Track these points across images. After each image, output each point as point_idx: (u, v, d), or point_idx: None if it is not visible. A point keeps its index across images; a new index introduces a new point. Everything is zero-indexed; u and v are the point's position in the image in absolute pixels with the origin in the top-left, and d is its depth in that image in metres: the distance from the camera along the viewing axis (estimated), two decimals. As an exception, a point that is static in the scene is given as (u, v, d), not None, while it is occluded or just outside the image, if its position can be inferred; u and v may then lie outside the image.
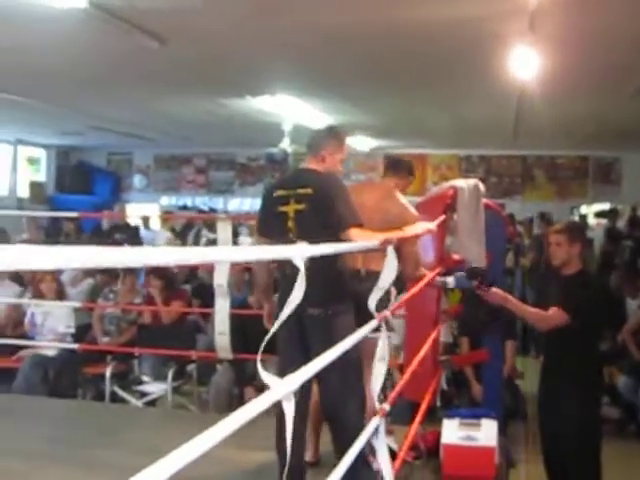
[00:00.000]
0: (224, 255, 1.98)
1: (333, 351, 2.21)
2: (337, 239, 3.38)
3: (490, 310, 4.95)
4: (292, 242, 3.26)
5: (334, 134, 3.96)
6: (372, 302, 2.92)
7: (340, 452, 3.37)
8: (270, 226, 3.77)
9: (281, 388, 1.68)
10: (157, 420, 5.62)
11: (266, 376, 1.78)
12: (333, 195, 3.68)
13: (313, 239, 2.97)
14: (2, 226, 9.46)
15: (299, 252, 1.95)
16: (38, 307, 6.99)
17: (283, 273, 3.63)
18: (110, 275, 7.67)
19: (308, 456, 4.04)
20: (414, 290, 3.75)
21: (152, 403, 6.71)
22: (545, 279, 5.47)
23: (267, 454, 4.14)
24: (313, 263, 3.51)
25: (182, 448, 1.21)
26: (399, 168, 4.60)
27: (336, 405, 3.65)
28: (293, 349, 3.52)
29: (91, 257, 1.10)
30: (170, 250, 1.45)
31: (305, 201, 3.66)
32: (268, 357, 4.58)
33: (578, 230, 5.03)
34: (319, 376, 3.24)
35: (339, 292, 3.73)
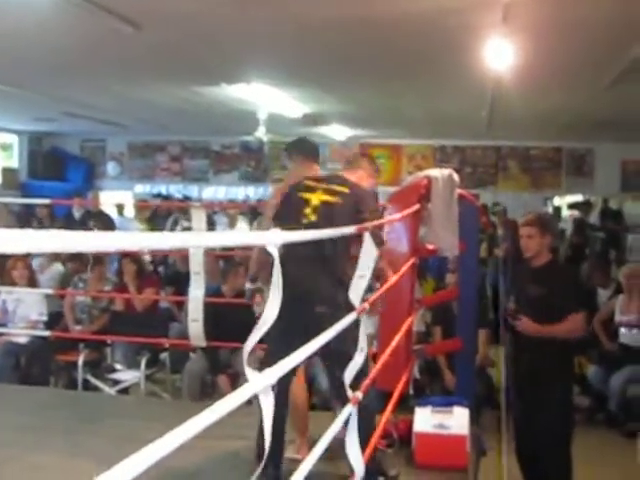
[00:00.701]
0: (199, 241, 1.98)
1: (319, 343, 2.21)
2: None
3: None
4: (305, 228, 3.44)
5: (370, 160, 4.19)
6: (353, 292, 2.93)
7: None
8: (285, 211, 3.83)
9: (260, 382, 1.68)
10: (130, 408, 5.60)
11: (248, 368, 1.77)
12: (363, 204, 3.79)
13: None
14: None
15: (273, 239, 1.94)
16: (9, 294, 6.93)
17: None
18: (80, 263, 7.62)
19: (291, 451, 4.04)
20: (391, 280, 3.77)
21: (125, 391, 6.70)
22: (515, 269, 5.53)
23: (242, 442, 4.16)
24: (322, 261, 3.56)
25: (163, 438, 1.21)
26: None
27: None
28: (291, 343, 3.45)
29: (67, 241, 1.09)
30: (146, 235, 1.45)
31: (339, 196, 3.76)
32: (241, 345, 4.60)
33: (548, 222, 5.11)
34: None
35: (345, 290, 3.77)
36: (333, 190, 3.78)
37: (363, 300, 3.11)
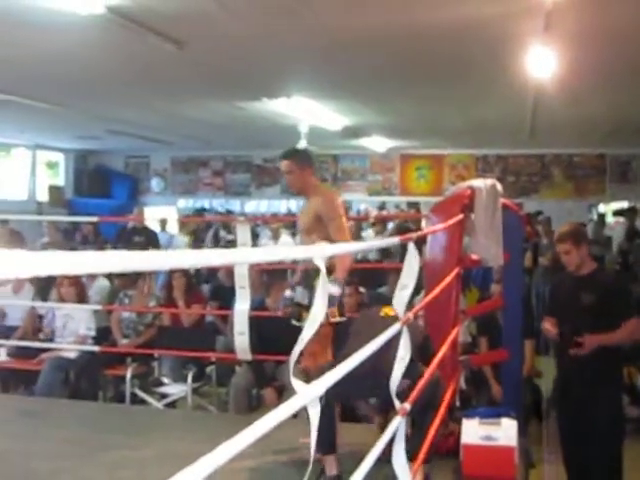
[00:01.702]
0: (248, 257, 2.00)
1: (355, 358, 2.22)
2: None
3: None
4: None
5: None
6: (397, 303, 2.93)
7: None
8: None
9: (308, 394, 1.70)
10: (178, 422, 5.65)
11: (295, 380, 1.79)
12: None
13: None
14: (20, 229, 9.54)
15: (320, 252, 1.96)
16: (59, 310, 7.05)
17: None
18: (126, 278, 7.71)
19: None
20: (436, 291, 3.76)
21: (172, 404, 6.74)
22: (557, 279, 5.45)
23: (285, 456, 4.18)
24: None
25: (215, 452, 1.23)
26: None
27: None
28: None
29: (117, 262, 1.12)
30: (193, 253, 1.48)
31: None
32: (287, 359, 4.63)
33: (579, 231, 5.05)
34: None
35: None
36: None
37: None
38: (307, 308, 4.52)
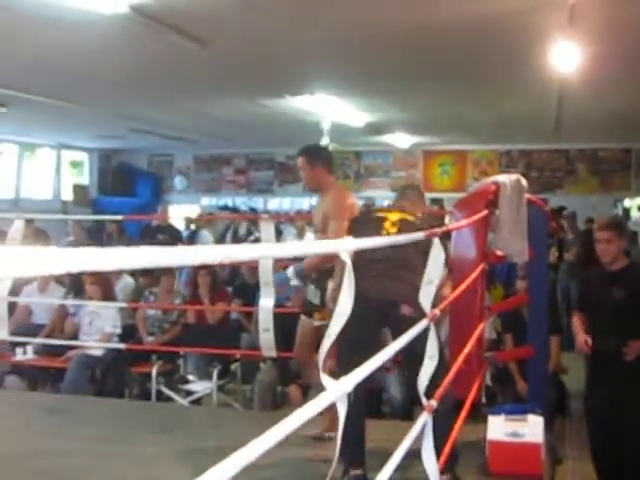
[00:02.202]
0: (274, 252, 2.01)
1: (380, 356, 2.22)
2: None
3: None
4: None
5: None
6: (424, 298, 2.93)
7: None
8: (362, 227, 3.96)
9: (336, 389, 1.70)
10: (204, 419, 5.68)
11: (324, 377, 1.79)
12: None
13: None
14: (46, 228, 9.61)
15: (345, 246, 1.96)
16: (85, 307, 7.11)
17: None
18: (152, 277, 7.75)
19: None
20: (461, 287, 3.75)
21: (197, 402, 6.78)
22: (588, 274, 5.39)
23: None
24: (408, 259, 3.62)
25: (244, 449, 1.23)
26: None
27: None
28: (373, 346, 3.45)
29: (144, 257, 1.13)
30: (219, 248, 1.48)
31: (415, 217, 4.06)
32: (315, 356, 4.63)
33: (622, 224, 5.03)
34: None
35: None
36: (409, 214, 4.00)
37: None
38: (318, 307, 4.54)
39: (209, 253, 1.46)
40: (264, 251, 2.01)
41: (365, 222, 4.02)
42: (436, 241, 3.04)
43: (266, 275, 5.07)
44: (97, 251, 1.01)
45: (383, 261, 3.62)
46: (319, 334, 4.67)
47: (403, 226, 3.84)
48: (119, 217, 9.56)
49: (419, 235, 3.09)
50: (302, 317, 4.73)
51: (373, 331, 3.56)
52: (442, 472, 3.22)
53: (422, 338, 2.72)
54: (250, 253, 1.78)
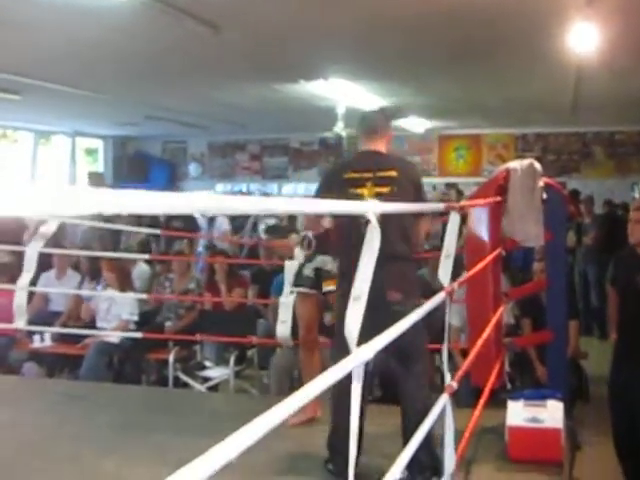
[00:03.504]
0: (294, 205, 2.02)
1: (402, 327, 2.21)
2: (414, 224, 3.42)
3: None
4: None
5: (389, 115, 4.03)
6: (442, 272, 2.91)
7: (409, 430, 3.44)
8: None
9: (350, 364, 1.68)
10: (221, 404, 5.69)
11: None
12: (417, 181, 3.77)
13: (396, 222, 3.01)
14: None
15: (372, 207, 1.97)
16: (102, 295, 7.13)
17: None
18: (168, 264, 7.77)
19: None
20: (476, 269, 3.73)
21: (215, 388, 6.80)
22: (618, 258, 5.33)
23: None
24: (391, 243, 3.55)
25: (250, 425, 1.21)
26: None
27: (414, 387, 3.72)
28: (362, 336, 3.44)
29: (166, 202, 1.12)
30: (232, 198, 1.48)
31: (389, 184, 3.68)
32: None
33: None
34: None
35: (414, 276, 3.79)
36: (381, 178, 3.70)
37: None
38: (329, 273, 4.55)
39: (244, 204, 1.45)
40: (297, 205, 2.02)
41: (341, 199, 3.79)
42: (453, 214, 3.03)
43: (291, 275, 5.07)
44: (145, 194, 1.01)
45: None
46: (325, 305, 4.72)
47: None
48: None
49: (439, 206, 3.10)
50: (295, 290, 4.75)
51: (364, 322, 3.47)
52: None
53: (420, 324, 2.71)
54: (285, 206, 1.77)
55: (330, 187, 3.82)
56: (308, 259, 4.69)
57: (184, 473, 1.01)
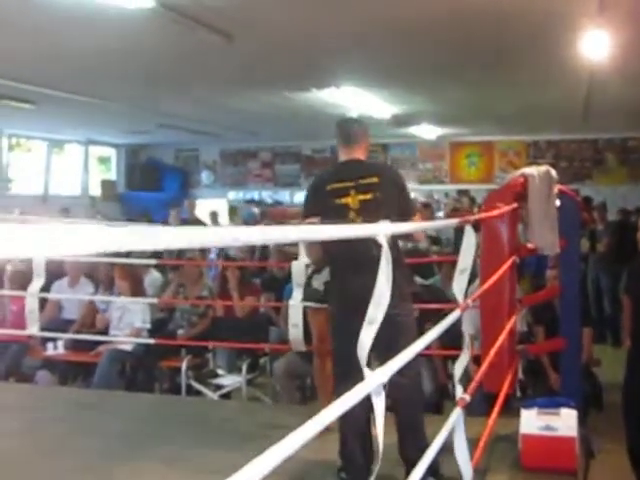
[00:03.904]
0: (304, 233, 1.99)
1: (412, 349, 2.20)
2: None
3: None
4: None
5: (365, 124, 4.06)
6: (457, 287, 2.90)
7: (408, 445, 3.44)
8: (328, 220, 3.64)
9: (371, 381, 1.68)
10: (234, 412, 5.68)
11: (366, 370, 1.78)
12: (400, 183, 3.79)
13: None
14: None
15: (383, 229, 1.94)
16: (114, 302, 7.14)
17: (357, 261, 3.48)
18: (180, 272, 7.78)
19: None
20: (492, 279, 3.71)
21: (227, 395, 6.79)
22: (632, 266, 5.32)
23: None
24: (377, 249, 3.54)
25: (282, 442, 1.22)
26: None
27: (409, 399, 3.72)
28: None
29: (181, 238, 1.12)
30: (253, 229, 1.47)
31: (372, 190, 3.70)
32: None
33: None
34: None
35: (407, 289, 3.78)
36: (363, 186, 3.71)
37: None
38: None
39: (247, 234, 1.45)
40: (301, 233, 1.99)
41: (328, 212, 3.69)
42: (468, 229, 3.02)
43: (299, 277, 5.08)
44: (138, 230, 1.00)
45: (362, 257, 3.27)
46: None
47: (366, 213, 3.62)
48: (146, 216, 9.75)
49: (453, 222, 3.07)
50: (306, 304, 4.78)
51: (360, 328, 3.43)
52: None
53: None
54: (288, 235, 1.76)
55: (316, 200, 3.84)
56: (317, 270, 4.70)
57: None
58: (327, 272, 4.50)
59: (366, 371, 1.80)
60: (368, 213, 3.62)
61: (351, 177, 3.75)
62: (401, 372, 3.51)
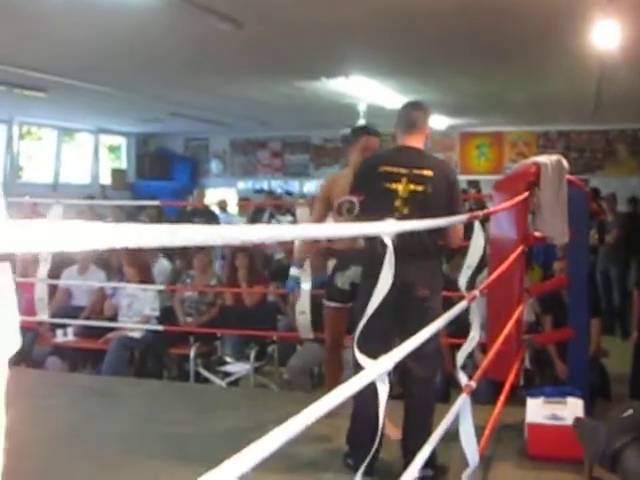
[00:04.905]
0: (310, 232, 2.00)
1: (427, 330, 2.21)
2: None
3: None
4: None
5: (427, 110, 4.01)
6: (462, 281, 2.92)
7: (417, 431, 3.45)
8: (370, 202, 3.64)
9: (375, 369, 1.69)
10: (241, 400, 5.72)
11: (361, 357, 1.79)
12: (453, 181, 3.74)
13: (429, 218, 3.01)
14: (84, 212, 9.75)
15: (386, 229, 1.94)
16: (123, 289, 7.18)
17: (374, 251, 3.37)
18: (189, 260, 7.81)
19: None
20: (501, 268, 3.72)
21: (235, 383, 6.83)
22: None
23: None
24: (425, 244, 3.55)
25: (281, 427, 1.23)
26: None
27: (423, 382, 3.73)
28: (387, 329, 3.44)
29: (180, 235, 1.13)
30: (254, 228, 1.48)
31: (424, 183, 3.65)
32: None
33: None
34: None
35: (440, 273, 3.81)
36: (417, 176, 3.66)
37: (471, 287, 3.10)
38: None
39: (247, 233, 1.46)
40: (300, 231, 2.00)
41: (374, 193, 3.66)
42: (477, 225, 3.03)
43: (299, 255, 5.09)
44: (136, 227, 1.01)
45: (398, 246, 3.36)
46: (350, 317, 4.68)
47: (414, 205, 3.59)
48: (156, 202, 9.73)
49: (462, 218, 3.07)
50: (327, 303, 4.69)
51: (392, 314, 3.42)
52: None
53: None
54: (287, 233, 1.78)
55: (366, 180, 3.77)
56: (340, 268, 4.62)
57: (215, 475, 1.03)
58: (353, 271, 4.45)
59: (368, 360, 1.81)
60: (415, 205, 3.60)
61: (406, 164, 3.68)
62: (420, 363, 3.55)
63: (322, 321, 5.25)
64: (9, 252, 0.80)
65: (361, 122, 11.56)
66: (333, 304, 4.64)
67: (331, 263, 5.00)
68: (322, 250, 5.36)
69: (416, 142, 3.82)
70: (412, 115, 3.90)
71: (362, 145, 4.45)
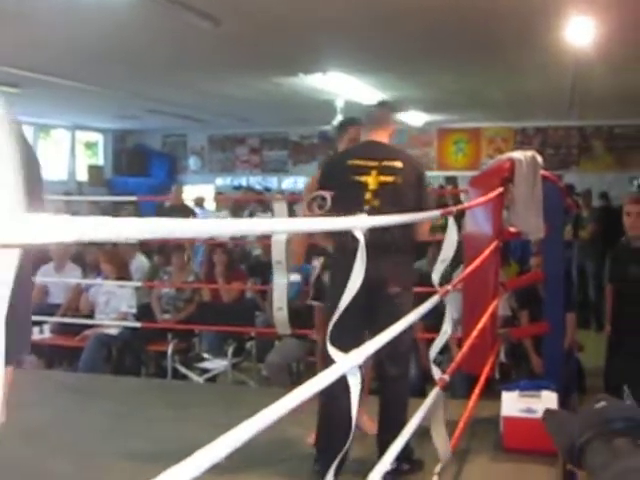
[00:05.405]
0: (284, 226, 2.01)
1: (397, 327, 2.22)
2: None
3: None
4: (370, 214, 3.06)
5: (394, 108, 4.09)
6: (435, 275, 2.94)
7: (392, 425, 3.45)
8: (339, 196, 3.62)
9: (346, 362, 1.70)
10: (219, 396, 5.72)
11: (333, 351, 1.79)
12: (421, 172, 3.78)
13: (400, 213, 3.01)
14: (61, 209, 9.68)
15: (359, 223, 1.95)
16: (100, 287, 7.15)
17: (344, 246, 3.39)
18: (166, 256, 7.79)
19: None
20: (475, 263, 3.75)
21: (213, 379, 6.82)
22: (614, 251, 5.38)
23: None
24: (397, 239, 3.56)
25: (248, 421, 1.24)
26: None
27: (397, 379, 3.73)
28: (358, 324, 3.41)
29: (157, 229, 1.13)
30: (231, 222, 1.49)
31: (394, 174, 3.67)
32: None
33: None
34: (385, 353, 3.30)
35: (412, 269, 3.81)
36: (386, 168, 3.68)
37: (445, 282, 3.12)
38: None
39: (223, 227, 1.47)
40: (275, 226, 2.01)
41: (343, 186, 3.66)
42: (451, 221, 3.05)
43: (278, 254, 5.06)
44: (111, 220, 1.01)
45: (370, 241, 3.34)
46: None
47: (385, 196, 3.61)
48: (133, 198, 9.66)
49: (435, 214, 3.09)
50: (317, 304, 4.71)
51: (362, 311, 3.41)
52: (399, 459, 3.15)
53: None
54: (265, 227, 1.79)
55: (333, 174, 3.80)
56: (328, 266, 4.63)
57: (175, 471, 1.03)
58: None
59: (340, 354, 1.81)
60: (385, 197, 3.61)
61: (375, 157, 3.70)
62: (393, 361, 3.57)
63: (302, 317, 5.27)
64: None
65: (338, 118, 11.56)
66: (320, 304, 4.65)
67: (317, 262, 4.98)
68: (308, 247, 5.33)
69: (382, 137, 3.87)
70: (377, 111, 4.01)
71: (351, 136, 4.42)
